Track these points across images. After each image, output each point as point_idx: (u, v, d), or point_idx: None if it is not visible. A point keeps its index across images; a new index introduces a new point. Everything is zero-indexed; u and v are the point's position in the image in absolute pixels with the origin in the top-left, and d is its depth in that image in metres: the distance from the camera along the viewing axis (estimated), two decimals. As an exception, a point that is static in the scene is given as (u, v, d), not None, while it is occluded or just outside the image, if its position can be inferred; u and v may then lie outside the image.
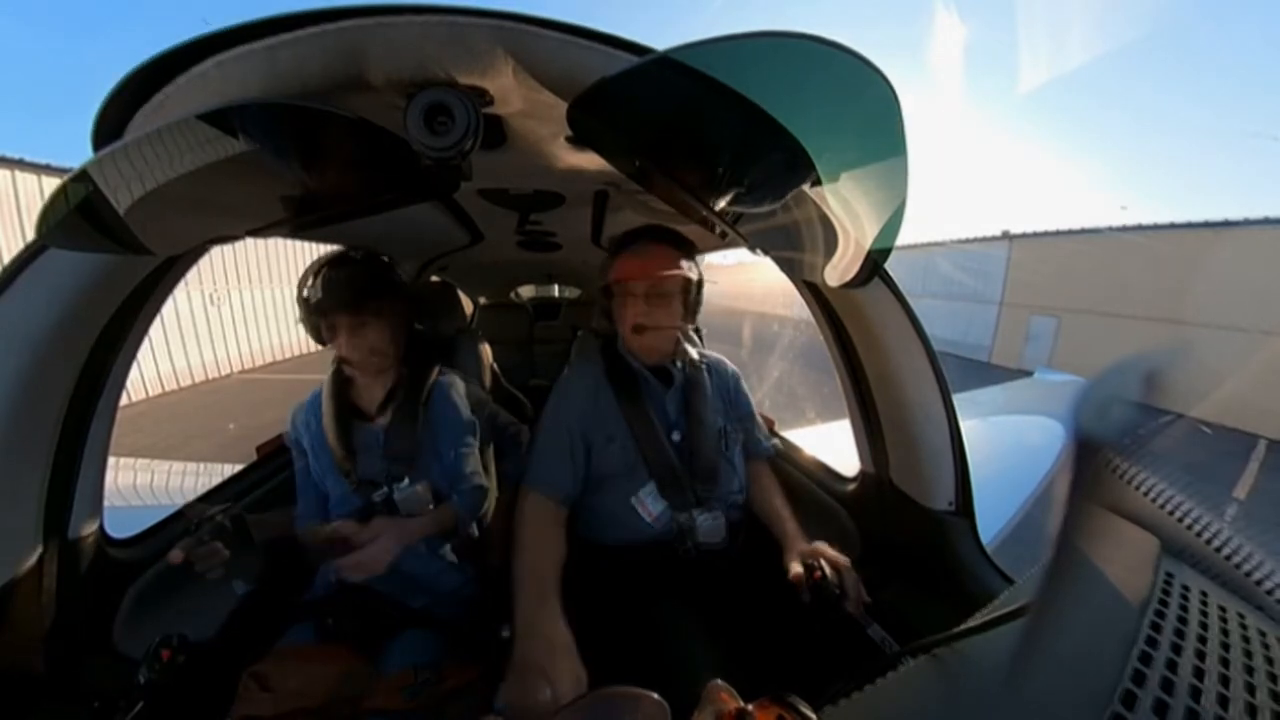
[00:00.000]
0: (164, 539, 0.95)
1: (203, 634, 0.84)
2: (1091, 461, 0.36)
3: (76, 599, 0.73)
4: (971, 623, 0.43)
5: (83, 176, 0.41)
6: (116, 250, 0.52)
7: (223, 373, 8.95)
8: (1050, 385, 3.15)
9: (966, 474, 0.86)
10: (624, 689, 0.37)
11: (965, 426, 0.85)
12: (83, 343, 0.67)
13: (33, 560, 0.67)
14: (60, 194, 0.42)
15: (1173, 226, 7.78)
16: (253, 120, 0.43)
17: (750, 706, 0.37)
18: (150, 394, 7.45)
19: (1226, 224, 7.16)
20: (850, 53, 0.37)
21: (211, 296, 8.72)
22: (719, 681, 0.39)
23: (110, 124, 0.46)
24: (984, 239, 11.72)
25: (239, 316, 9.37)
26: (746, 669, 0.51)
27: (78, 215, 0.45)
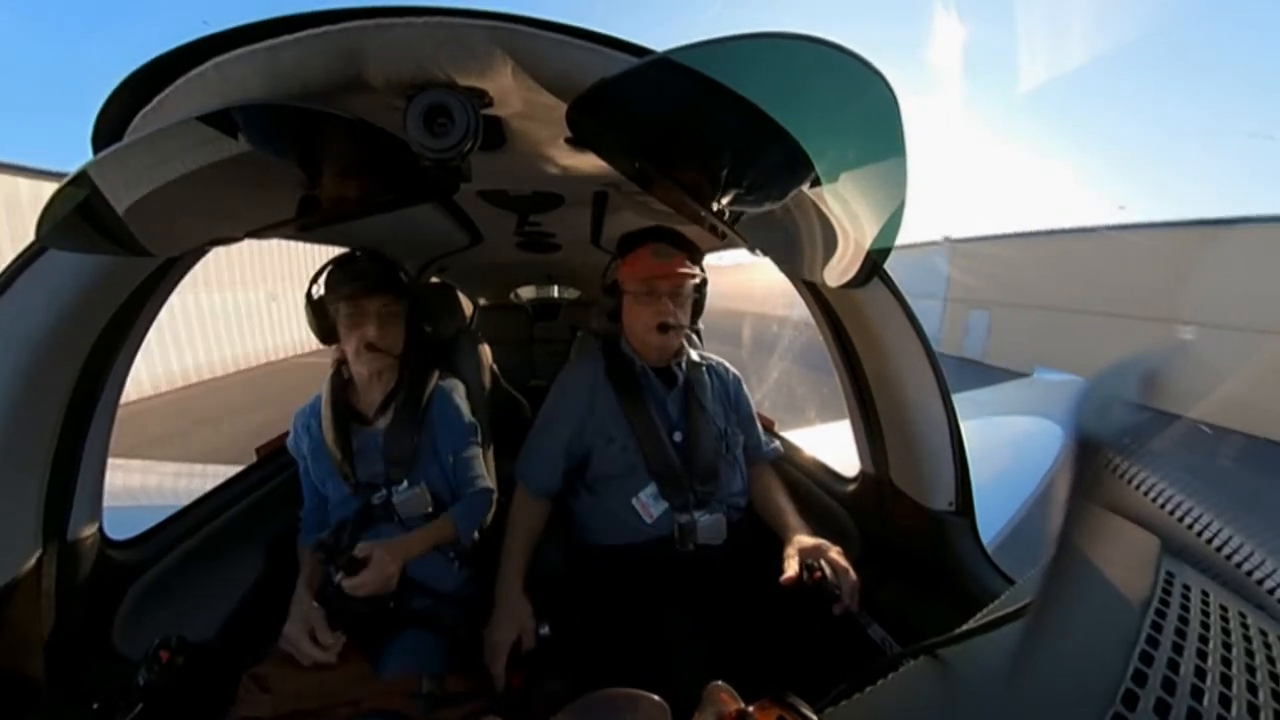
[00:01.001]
0: (163, 540, 0.95)
1: (202, 636, 0.84)
2: (1092, 461, 0.36)
3: (76, 600, 0.73)
4: (972, 623, 0.43)
5: (82, 178, 0.41)
6: (115, 252, 0.52)
7: (281, 356, 10.96)
8: (1049, 385, 3.14)
9: (966, 474, 0.86)
10: (624, 690, 0.37)
11: (965, 426, 0.85)
12: (82, 344, 0.67)
13: (32, 562, 0.67)
14: (60, 195, 0.42)
15: (1103, 229, 8.52)
16: (253, 121, 0.43)
17: (751, 708, 0.37)
18: (228, 371, 9.23)
19: (1151, 225, 7.87)
20: (849, 54, 0.38)
21: (272, 294, 10.71)
22: (719, 682, 0.39)
23: (110, 125, 0.46)
24: (925, 244, 12.68)
25: (294, 311, 11.08)
26: (747, 670, 0.51)
27: (77, 216, 0.44)
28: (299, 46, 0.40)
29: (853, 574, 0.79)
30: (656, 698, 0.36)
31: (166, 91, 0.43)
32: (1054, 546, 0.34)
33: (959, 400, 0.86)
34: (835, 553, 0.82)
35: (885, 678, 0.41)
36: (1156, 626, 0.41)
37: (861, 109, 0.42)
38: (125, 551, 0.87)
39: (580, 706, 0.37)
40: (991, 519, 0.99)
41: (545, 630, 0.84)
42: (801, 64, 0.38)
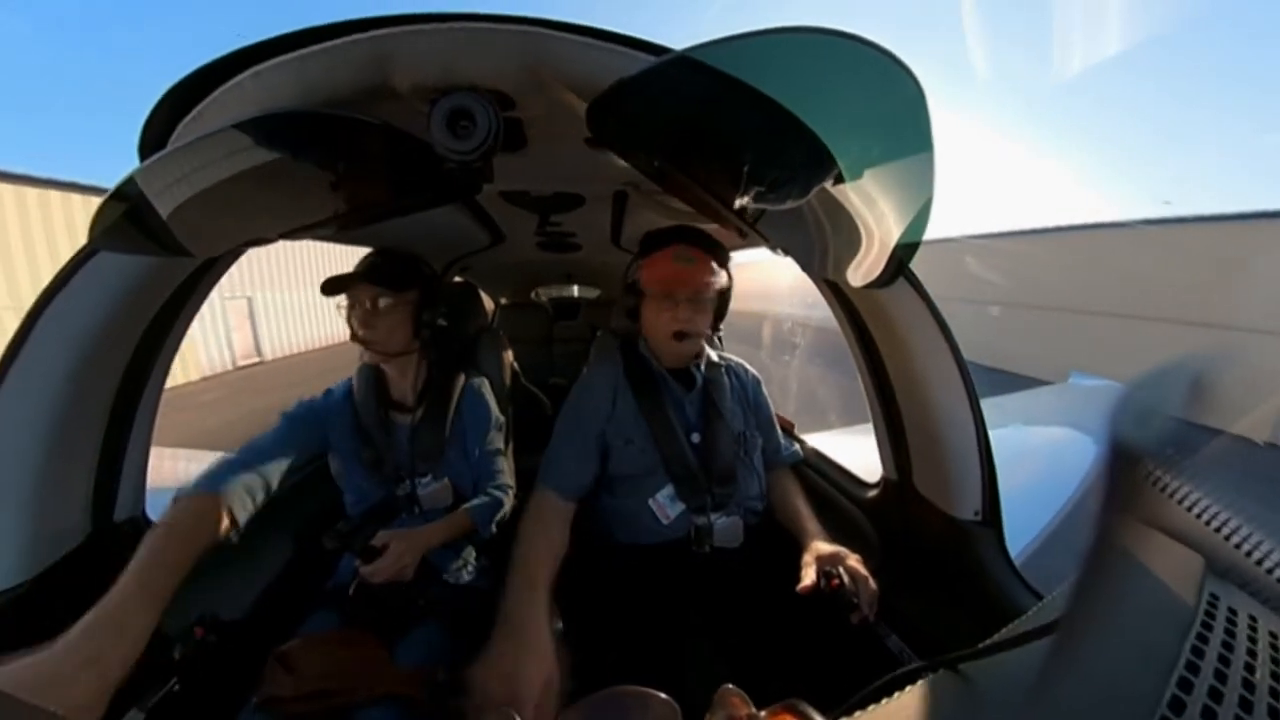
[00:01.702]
0: None
1: (233, 615, 0.88)
2: (1129, 472, 0.34)
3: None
4: (997, 638, 0.41)
5: (130, 184, 0.44)
6: (160, 253, 0.54)
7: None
8: (1086, 391, 3.00)
9: (994, 482, 0.82)
10: (634, 689, 0.37)
11: (995, 434, 0.82)
12: (129, 340, 0.71)
13: (80, 541, 0.72)
14: (110, 201, 0.45)
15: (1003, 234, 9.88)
16: (286, 129, 0.44)
17: (762, 713, 0.37)
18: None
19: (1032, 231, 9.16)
20: (875, 48, 0.37)
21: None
22: (731, 686, 0.39)
23: (154, 134, 0.48)
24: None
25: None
26: (759, 675, 0.50)
27: (126, 220, 0.47)
28: (328, 55, 0.42)
29: (872, 583, 0.77)
30: (666, 697, 0.36)
31: (206, 101, 0.45)
32: (1085, 561, 0.33)
33: (987, 405, 0.82)
34: (854, 560, 0.80)
35: (903, 690, 0.40)
36: (1198, 651, 0.39)
37: (887, 104, 0.41)
38: None
39: (591, 704, 0.37)
40: (1020, 530, 0.95)
41: (559, 626, 0.84)
42: (824, 59, 0.38)
